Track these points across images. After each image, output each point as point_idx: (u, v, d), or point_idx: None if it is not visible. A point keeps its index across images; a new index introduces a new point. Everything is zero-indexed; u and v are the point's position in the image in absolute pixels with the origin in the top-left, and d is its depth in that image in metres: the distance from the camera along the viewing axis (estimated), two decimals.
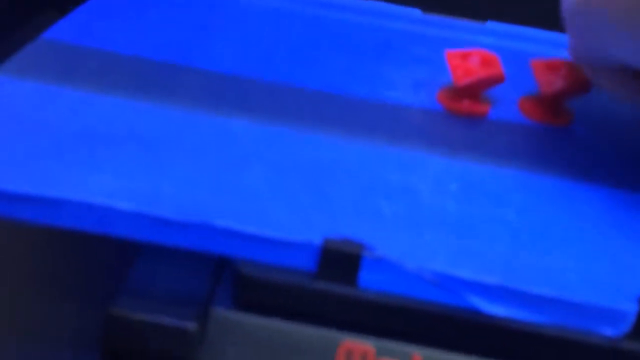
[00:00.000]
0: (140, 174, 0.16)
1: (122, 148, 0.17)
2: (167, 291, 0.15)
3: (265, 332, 0.16)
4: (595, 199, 0.18)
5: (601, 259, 0.16)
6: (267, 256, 0.15)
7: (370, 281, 0.15)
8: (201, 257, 0.16)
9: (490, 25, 0.29)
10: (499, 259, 0.15)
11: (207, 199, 0.16)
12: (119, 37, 0.23)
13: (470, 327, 0.15)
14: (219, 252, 0.15)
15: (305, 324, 0.15)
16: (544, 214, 0.17)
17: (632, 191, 0.18)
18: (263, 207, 0.16)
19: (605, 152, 0.20)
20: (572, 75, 0.21)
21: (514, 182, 0.18)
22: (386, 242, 0.15)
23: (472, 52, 0.22)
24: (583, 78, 0.21)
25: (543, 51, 0.27)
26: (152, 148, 0.17)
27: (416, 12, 0.29)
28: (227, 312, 0.16)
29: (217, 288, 0.16)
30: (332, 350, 0.15)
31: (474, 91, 0.22)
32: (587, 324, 0.15)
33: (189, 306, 0.15)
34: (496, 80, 0.21)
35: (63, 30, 0.23)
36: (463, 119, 0.21)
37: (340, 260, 0.15)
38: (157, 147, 0.17)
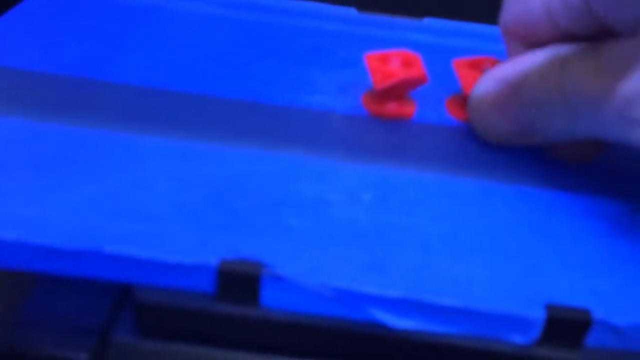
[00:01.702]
0: (29, 199, 0.15)
1: (10, 171, 0.16)
2: (62, 322, 0.15)
3: (168, 358, 0.15)
4: (515, 201, 0.17)
5: (512, 264, 0.15)
6: (165, 280, 0.15)
7: (271, 300, 0.14)
8: (102, 284, 0.15)
9: (427, 22, 0.28)
10: (407, 270, 0.15)
11: (100, 223, 0.15)
12: (28, 53, 0.22)
13: (378, 341, 0.14)
14: (114, 279, 0.15)
15: (208, 347, 0.15)
16: (459, 220, 0.17)
17: (552, 190, 0.18)
18: (161, 229, 0.15)
19: (531, 149, 0.20)
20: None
21: (432, 188, 0.18)
22: (289, 259, 0.15)
23: (392, 53, 0.21)
24: None
25: (478, 47, 0.26)
26: (46, 170, 0.16)
27: (351, 12, 0.29)
28: (129, 340, 0.15)
29: (119, 315, 0.15)
30: None
31: (396, 93, 0.21)
32: (496, 333, 0.14)
33: (84, 336, 0.14)
34: (418, 81, 0.21)
35: None
36: (387, 122, 0.21)
37: (239, 281, 0.14)
38: (53, 169, 0.17)
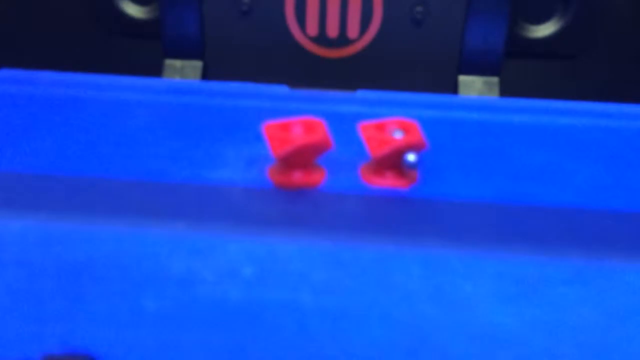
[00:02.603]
0: None
1: None
2: None
3: None
4: (411, 267, 0.15)
5: (398, 333, 0.13)
6: None
7: None
8: None
9: (361, 94, 0.27)
10: (274, 355, 0.13)
11: None
12: None
13: None
14: None
15: None
16: (344, 292, 0.14)
17: (465, 257, 0.16)
18: None
19: (442, 212, 0.18)
20: (405, 134, 0.20)
21: (323, 259, 0.16)
22: (129, 349, 0.13)
23: (293, 121, 0.20)
24: (418, 135, 0.20)
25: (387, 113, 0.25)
26: None
27: (282, 89, 0.28)
28: None
29: None
30: None
31: (301, 162, 0.20)
32: None
33: None
34: (321, 147, 0.19)
35: None
36: (292, 193, 0.19)
37: None
38: None
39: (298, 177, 0.20)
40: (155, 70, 0.35)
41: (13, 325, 0.13)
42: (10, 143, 0.22)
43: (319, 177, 0.20)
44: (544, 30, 0.37)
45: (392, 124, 0.20)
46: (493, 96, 0.33)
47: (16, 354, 0.12)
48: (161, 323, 0.13)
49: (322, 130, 0.20)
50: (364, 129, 0.20)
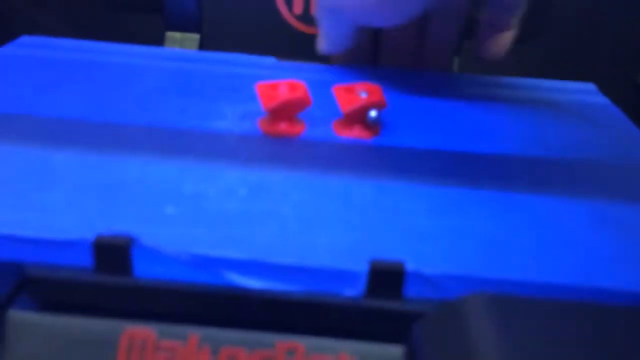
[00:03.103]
0: None
1: None
2: None
3: (57, 329, 0.17)
4: (372, 192, 0.20)
5: (345, 233, 0.18)
6: (51, 257, 0.17)
7: (141, 270, 0.17)
8: (1, 266, 0.18)
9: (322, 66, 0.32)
10: (261, 241, 0.17)
11: (1, 213, 0.18)
12: None
13: (234, 302, 0.17)
14: (7, 259, 0.17)
15: (90, 317, 0.17)
16: (314, 206, 0.19)
17: (399, 182, 0.21)
18: (50, 217, 0.18)
19: (393, 156, 0.23)
20: (369, 94, 0.24)
21: (301, 183, 0.21)
22: (159, 236, 0.17)
23: (281, 82, 0.24)
24: (380, 96, 0.24)
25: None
26: None
27: (270, 60, 0.32)
28: (25, 315, 0.17)
29: (16, 293, 0.18)
30: (116, 338, 0.17)
31: (286, 114, 0.24)
32: (330, 287, 0.16)
33: None
34: (303, 102, 0.24)
35: None
36: (278, 139, 0.24)
37: (112, 253, 0.17)
38: None
39: (283, 127, 0.24)
40: (156, 42, 0.39)
41: (72, 220, 0.17)
42: (39, 97, 0.26)
43: (300, 128, 0.24)
44: None
45: (360, 87, 0.24)
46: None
47: (75, 235, 0.17)
48: (178, 223, 0.18)
49: (303, 89, 0.24)
50: (337, 90, 0.24)
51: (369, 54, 0.33)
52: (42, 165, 0.21)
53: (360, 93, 0.24)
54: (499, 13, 0.30)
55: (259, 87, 0.24)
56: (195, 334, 0.17)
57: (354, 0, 0.27)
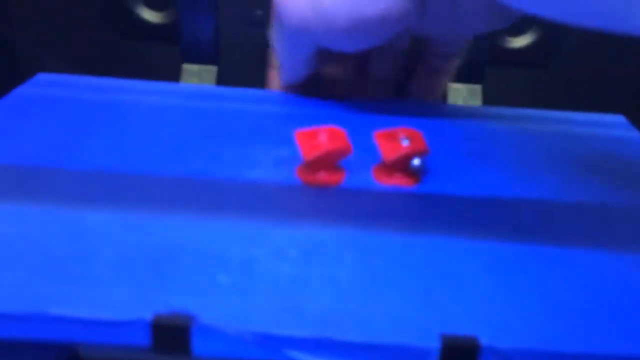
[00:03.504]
0: None
1: None
2: None
3: None
4: (421, 250, 0.20)
5: (412, 302, 0.17)
6: (105, 337, 0.16)
7: (201, 349, 0.16)
8: (46, 346, 0.17)
9: (362, 103, 0.31)
10: (320, 313, 0.17)
11: (45, 289, 0.17)
12: (1, 146, 0.24)
13: None
14: (59, 340, 0.16)
15: None
16: (371, 270, 0.19)
17: (455, 239, 0.20)
18: (99, 291, 0.17)
19: (442, 206, 0.22)
20: (411, 141, 0.24)
21: (353, 243, 0.20)
22: (216, 310, 0.16)
23: (320, 129, 0.24)
24: (421, 143, 0.24)
25: (397, 122, 0.29)
26: None
27: (296, 97, 0.32)
28: None
29: None
30: None
31: (325, 164, 0.24)
32: None
33: None
34: (343, 152, 0.23)
35: None
36: (318, 190, 0.23)
37: (171, 333, 0.16)
38: (4, 245, 0.19)
39: (323, 176, 0.24)
40: (172, 72, 0.39)
41: (125, 294, 0.17)
42: (63, 146, 0.25)
43: (340, 176, 0.24)
44: (521, 41, 0.42)
45: (401, 132, 0.24)
46: (476, 104, 0.37)
47: (131, 314, 0.16)
48: (232, 293, 0.17)
49: (344, 138, 0.23)
50: (378, 136, 0.24)
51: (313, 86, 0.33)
52: (78, 229, 0.20)
53: (402, 140, 0.24)
54: (436, 59, 0.31)
55: (298, 135, 0.24)
56: None
57: (322, 19, 0.27)
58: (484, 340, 0.16)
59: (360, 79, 0.32)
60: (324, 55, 0.29)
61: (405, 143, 0.24)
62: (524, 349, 0.16)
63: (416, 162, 0.23)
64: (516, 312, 0.17)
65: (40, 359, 0.17)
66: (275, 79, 0.33)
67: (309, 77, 0.31)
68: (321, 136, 0.24)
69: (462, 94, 0.36)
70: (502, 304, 0.17)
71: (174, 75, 0.38)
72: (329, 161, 0.24)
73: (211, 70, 0.38)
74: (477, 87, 0.37)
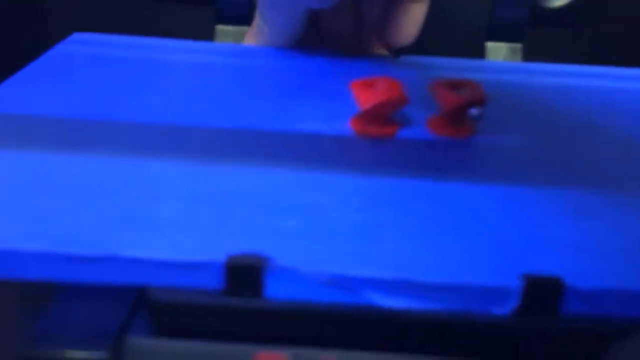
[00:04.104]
0: (53, 217, 0.17)
1: (38, 197, 0.18)
2: (80, 327, 0.16)
3: (181, 354, 0.16)
4: (486, 198, 0.19)
5: (489, 246, 0.17)
6: (177, 280, 0.16)
7: (274, 291, 0.16)
8: (117, 290, 0.17)
9: (404, 59, 0.31)
10: (395, 258, 0.16)
11: (117, 234, 0.16)
12: (48, 101, 0.24)
13: (373, 323, 0.16)
14: (131, 282, 0.16)
15: (219, 341, 0.16)
16: (438, 215, 0.18)
17: (520, 188, 0.20)
18: (171, 235, 0.17)
19: (500, 157, 0.22)
20: (469, 91, 0.23)
21: (414, 191, 0.19)
22: (288, 253, 0.16)
23: (376, 79, 0.23)
24: (479, 93, 0.23)
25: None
26: (67, 194, 0.18)
27: (338, 54, 0.31)
28: (144, 340, 0.16)
29: (134, 318, 0.17)
30: None
31: (381, 114, 0.23)
32: (480, 305, 0.15)
33: (102, 338, 0.16)
34: (400, 102, 0.23)
35: None
36: (373, 140, 0.23)
37: (244, 274, 0.16)
38: (73, 193, 0.18)
39: (377, 127, 0.23)
40: (204, 34, 0.38)
41: (195, 237, 0.16)
42: (115, 100, 0.25)
43: (394, 127, 0.23)
44: (561, 1, 0.41)
45: (459, 83, 0.23)
46: (517, 61, 0.36)
47: (205, 256, 0.16)
48: (302, 237, 0.17)
49: (400, 89, 0.23)
50: (435, 86, 0.23)
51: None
52: (143, 177, 0.19)
53: (459, 90, 0.23)
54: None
55: (354, 85, 0.23)
56: (330, 357, 0.16)
57: None
58: (568, 281, 0.15)
59: (356, 30, 0.32)
60: (322, 14, 0.29)
61: (463, 93, 0.23)
62: (607, 289, 0.15)
63: (474, 112, 0.23)
64: (595, 253, 0.16)
65: (110, 304, 0.17)
66: (252, 39, 0.32)
67: (300, 38, 0.31)
68: (378, 86, 0.23)
69: (502, 53, 0.36)
70: (580, 246, 0.16)
71: (206, 37, 0.37)
72: (384, 112, 0.23)
73: (245, 31, 0.37)
74: (517, 46, 0.36)
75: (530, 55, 0.37)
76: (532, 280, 0.15)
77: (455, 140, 0.23)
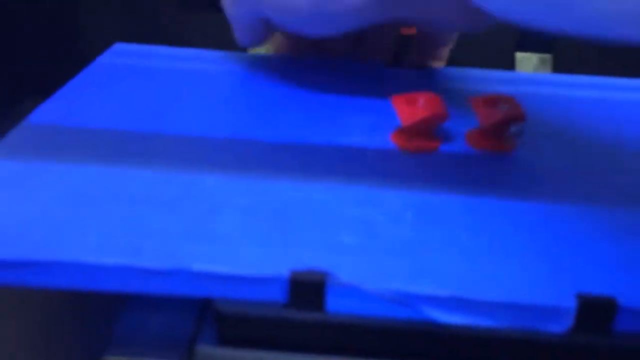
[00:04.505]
0: (122, 230, 0.18)
1: (103, 210, 0.19)
2: (152, 336, 0.17)
3: None
4: (535, 215, 0.20)
5: (541, 264, 0.17)
6: (242, 293, 0.17)
7: (336, 306, 0.17)
8: (185, 301, 0.18)
9: (443, 70, 0.31)
10: (452, 274, 0.17)
11: (184, 246, 0.17)
12: (97, 114, 0.25)
13: (432, 338, 0.16)
14: (199, 294, 0.17)
15: (282, 352, 0.17)
16: (489, 232, 0.19)
17: (567, 205, 0.20)
18: (234, 248, 0.17)
19: (543, 172, 0.23)
20: (509, 107, 0.24)
21: (464, 207, 0.20)
22: (348, 269, 0.17)
23: (417, 95, 0.24)
24: (519, 109, 0.24)
25: (492, 91, 0.29)
26: (131, 207, 0.19)
27: (377, 65, 0.32)
28: (211, 349, 0.17)
29: (202, 328, 0.17)
30: None
31: (422, 130, 0.24)
32: (534, 323, 0.16)
33: (173, 347, 0.16)
34: (441, 118, 0.24)
35: (45, 114, 0.25)
36: (416, 155, 0.23)
37: (307, 289, 0.16)
38: (136, 205, 0.19)
39: (420, 142, 0.24)
40: (231, 43, 0.39)
41: (258, 251, 0.17)
42: (160, 112, 0.26)
43: (437, 142, 0.24)
44: None
45: (498, 99, 0.24)
46: (547, 71, 0.37)
47: (269, 270, 0.17)
48: (359, 253, 0.18)
49: (441, 104, 0.24)
50: (475, 102, 0.24)
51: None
52: (198, 191, 0.20)
53: (499, 106, 0.24)
54: (429, 45, 0.31)
55: (395, 100, 0.24)
56: None
57: (281, 4, 0.26)
58: (622, 300, 0.16)
59: (356, 49, 0.32)
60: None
61: (503, 109, 0.24)
62: None
63: (514, 128, 0.24)
64: None
65: (179, 315, 0.17)
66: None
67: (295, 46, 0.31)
68: (419, 102, 0.24)
69: (532, 63, 0.36)
70: (634, 266, 0.17)
71: (236, 46, 0.38)
72: (426, 127, 0.24)
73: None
74: (547, 57, 0.36)
75: (559, 65, 0.37)
76: (587, 300, 0.16)
77: (497, 155, 0.24)
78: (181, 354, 0.16)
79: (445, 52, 0.32)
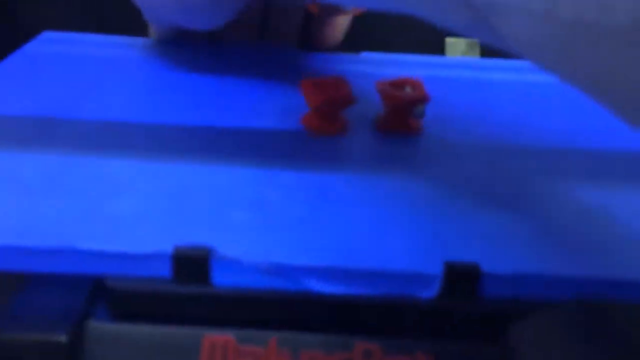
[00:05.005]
0: (14, 213, 0.18)
1: None
2: (44, 312, 0.17)
3: (136, 338, 0.17)
4: (421, 190, 0.21)
5: (414, 235, 0.18)
6: (131, 270, 0.17)
7: (221, 279, 0.17)
8: (79, 280, 0.18)
9: (365, 56, 0.32)
10: (332, 246, 0.18)
11: (73, 226, 0.18)
12: (16, 101, 0.25)
13: (310, 306, 0.17)
14: (88, 272, 0.17)
15: (170, 325, 0.17)
16: (377, 209, 0.20)
17: (450, 184, 0.21)
18: (124, 228, 0.18)
19: (443, 152, 0.23)
20: (413, 90, 0.25)
21: (357, 184, 0.21)
22: (232, 244, 0.18)
23: (326, 79, 0.25)
24: (422, 91, 0.25)
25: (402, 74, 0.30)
26: (25, 189, 0.20)
27: (291, 49, 0.32)
28: (102, 325, 0.18)
29: (95, 305, 0.18)
30: (197, 345, 0.17)
31: (329, 113, 0.25)
32: (406, 290, 0.17)
33: (62, 322, 0.17)
34: (346, 100, 0.24)
35: None
36: (323, 138, 0.24)
37: (191, 264, 0.17)
38: (31, 188, 0.20)
39: (327, 125, 0.24)
40: None
41: (146, 230, 0.18)
42: (79, 99, 0.26)
43: (343, 124, 0.25)
44: None
45: (404, 82, 0.25)
46: (475, 56, 0.38)
47: (153, 247, 0.17)
48: (248, 229, 0.18)
49: (347, 87, 0.24)
50: (381, 85, 0.25)
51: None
52: (98, 174, 0.21)
53: (403, 89, 0.25)
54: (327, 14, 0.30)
55: (304, 84, 0.24)
56: (274, 338, 0.17)
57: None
58: (485, 267, 0.17)
59: (261, 37, 0.32)
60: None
61: (407, 91, 0.25)
62: (521, 274, 0.17)
63: (419, 109, 0.24)
64: (512, 241, 0.18)
65: (71, 293, 0.18)
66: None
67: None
68: (325, 85, 0.25)
69: (460, 48, 0.37)
70: (499, 235, 0.18)
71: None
72: (333, 110, 0.25)
73: None
74: (475, 41, 0.37)
75: (488, 50, 0.38)
76: (452, 267, 0.17)
77: (402, 138, 0.25)
78: (70, 330, 0.17)
79: (344, 21, 0.32)
